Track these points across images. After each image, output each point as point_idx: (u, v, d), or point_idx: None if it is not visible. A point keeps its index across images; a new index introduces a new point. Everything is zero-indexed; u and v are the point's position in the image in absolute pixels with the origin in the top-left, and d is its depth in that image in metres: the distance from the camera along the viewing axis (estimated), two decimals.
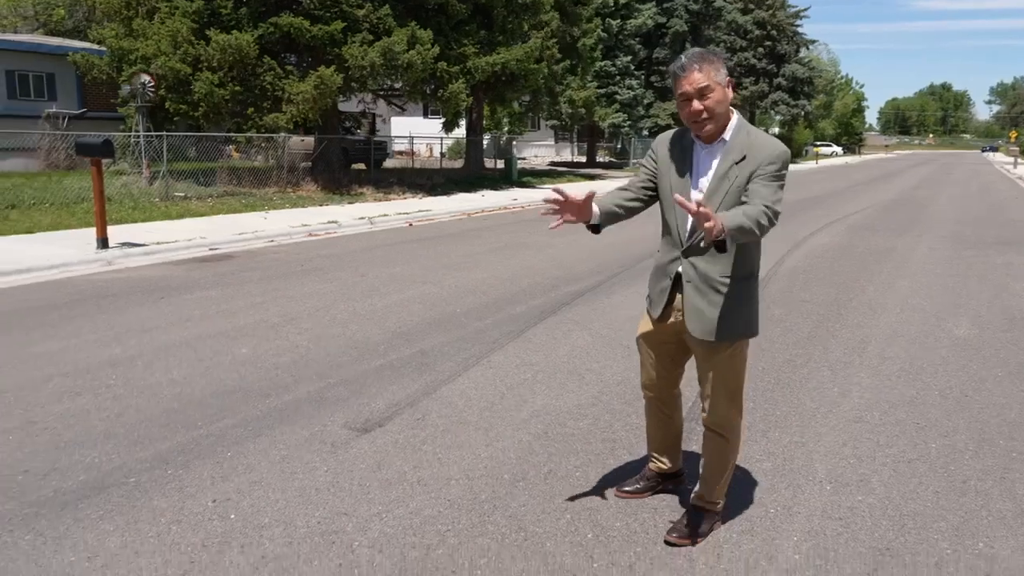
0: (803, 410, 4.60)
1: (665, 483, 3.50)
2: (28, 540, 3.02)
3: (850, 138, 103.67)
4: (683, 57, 2.78)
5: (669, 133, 3.03)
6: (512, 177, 26.04)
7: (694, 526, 3.10)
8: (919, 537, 3.13)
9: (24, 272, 8.67)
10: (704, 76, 2.71)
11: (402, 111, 29.73)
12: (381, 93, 23.62)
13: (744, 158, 2.76)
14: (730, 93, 2.77)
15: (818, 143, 79.19)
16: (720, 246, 2.62)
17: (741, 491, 3.49)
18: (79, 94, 24.89)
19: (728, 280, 2.84)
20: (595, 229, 3.00)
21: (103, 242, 9.95)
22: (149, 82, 17.11)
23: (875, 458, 3.90)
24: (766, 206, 2.65)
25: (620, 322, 6.70)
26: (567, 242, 11.57)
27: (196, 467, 3.67)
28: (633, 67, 37.65)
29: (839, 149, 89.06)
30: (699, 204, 2.44)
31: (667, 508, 3.35)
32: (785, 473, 3.72)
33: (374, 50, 17.61)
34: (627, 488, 3.47)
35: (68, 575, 2.80)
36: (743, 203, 2.73)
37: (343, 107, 24.13)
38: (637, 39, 38.79)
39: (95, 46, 21.86)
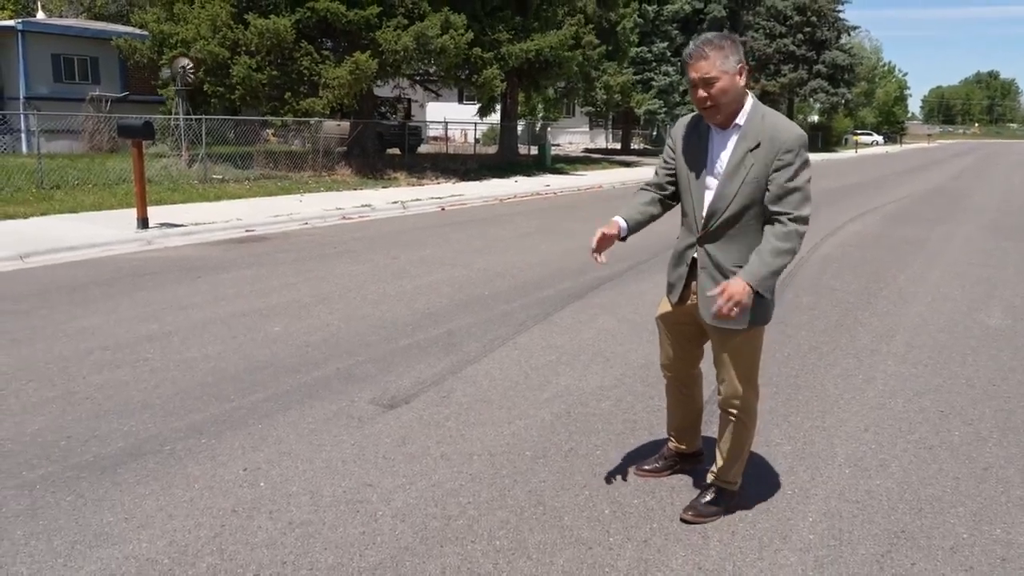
0: (826, 396, 4.61)
1: (683, 463, 3.55)
2: (69, 501, 3.17)
3: (891, 127, 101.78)
4: (693, 43, 2.75)
5: (686, 119, 3.02)
6: (546, 163, 26.04)
7: (709, 505, 3.15)
8: (935, 521, 3.15)
9: (67, 250, 8.93)
10: (709, 65, 2.67)
11: (437, 96, 29.83)
12: (416, 78, 23.74)
13: (759, 145, 2.72)
14: (741, 80, 2.71)
15: (858, 132, 77.84)
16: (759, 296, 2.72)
17: (760, 472, 3.54)
18: (122, 77, 25.36)
19: (740, 269, 2.79)
20: (623, 239, 3.14)
21: (143, 222, 10.20)
22: (189, 65, 17.39)
23: (896, 444, 3.92)
24: (792, 219, 2.69)
25: (647, 307, 6.72)
26: (592, 226, 11.60)
27: (228, 438, 3.80)
28: (670, 53, 37.31)
29: (880, 138, 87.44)
30: (721, 293, 2.63)
31: (685, 487, 3.41)
32: (804, 456, 3.75)
33: (408, 34, 17.70)
34: (646, 467, 3.54)
35: (107, 534, 2.93)
36: (769, 215, 2.75)
37: (379, 92, 24.28)
38: (674, 24, 38.46)
39: (137, 30, 22.25)
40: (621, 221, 3.09)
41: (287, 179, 17.54)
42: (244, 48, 17.35)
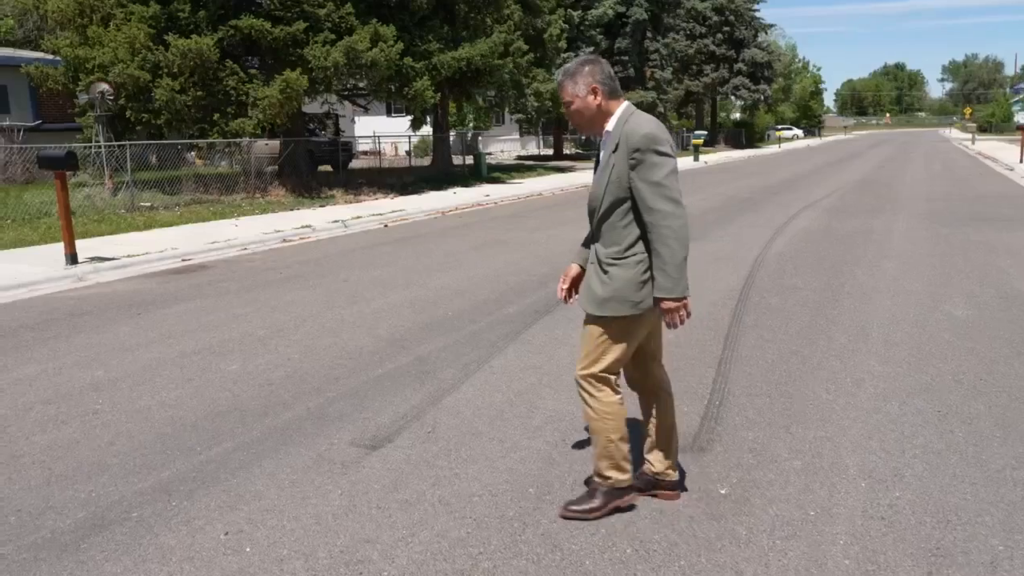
0: (820, 402, 4.50)
1: (657, 491, 3.35)
2: None
3: (810, 121, 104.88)
4: (556, 73, 3.21)
5: None
6: (482, 173, 25.85)
7: (583, 498, 3.24)
8: (967, 534, 3.03)
9: None
10: (564, 92, 3.04)
11: (365, 111, 29.38)
12: (345, 93, 23.26)
13: (617, 147, 2.94)
14: (592, 100, 2.99)
15: (779, 127, 79.93)
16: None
17: (776, 492, 3.38)
18: (33, 106, 24.23)
19: (612, 260, 2.99)
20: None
21: (72, 258, 9.59)
22: (108, 91, 16.65)
23: (903, 450, 3.81)
24: (655, 220, 2.86)
25: None
26: (547, 236, 11.44)
27: (201, 496, 3.46)
28: None
29: (800, 132, 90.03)
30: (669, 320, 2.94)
31: (704, 516, 3.22)
32: (816, 471, 3.60)
33: (337, 50, 17.29)
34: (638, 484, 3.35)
35: None
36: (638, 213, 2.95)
37: (306, 108, 23.73)
38: (598, 29, 38.76)
39: (49, 56, 21.24)
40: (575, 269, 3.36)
41: (219, 203, 16.92)
42: (166, 70, 16.69)
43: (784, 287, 7.70)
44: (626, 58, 43.97)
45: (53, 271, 9.29)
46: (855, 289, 7.55)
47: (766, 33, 60.13)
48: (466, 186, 22.55)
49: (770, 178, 24.60)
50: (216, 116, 17.44)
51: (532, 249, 10.27)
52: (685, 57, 52.65)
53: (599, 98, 2.99)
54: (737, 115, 76.23)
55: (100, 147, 16.66)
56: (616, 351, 3.07)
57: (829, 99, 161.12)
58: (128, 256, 10.23)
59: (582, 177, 26.27)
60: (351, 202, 18.13)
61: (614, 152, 2.94)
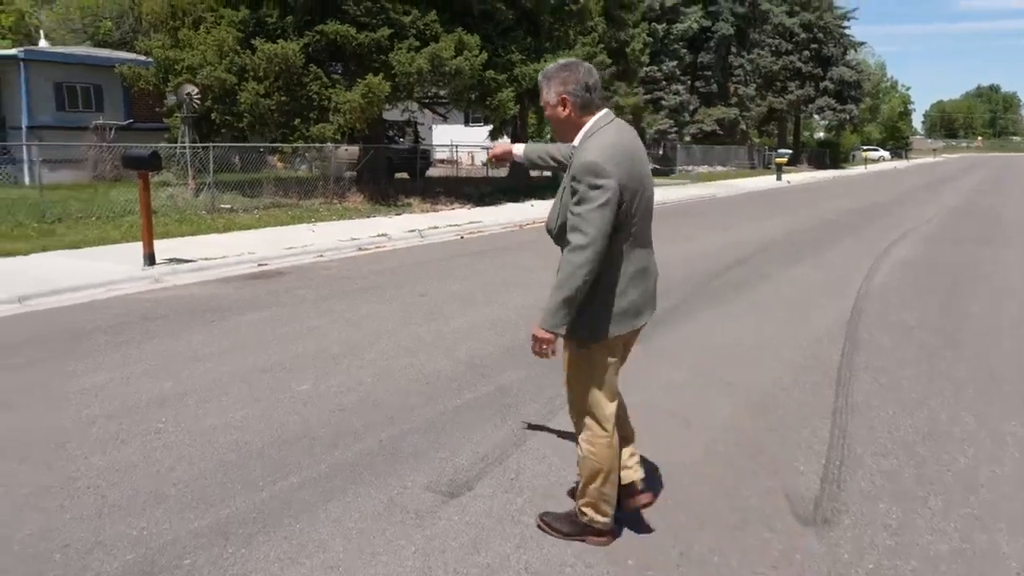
0: (959, 469, 3.91)
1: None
2: None
3: (897, 142, 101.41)
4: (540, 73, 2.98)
5: None
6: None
7: (563, 519, 3.19)
8: None
9: (70, 291, 8.28)
10: (541, 96, 2.93)
11: (444, 119, 29.33)
12: (425, 101, 23.19)
13: (570, 167, 2.83)
14: (561, 111, 2.87)
15: (865, 147, 77.32)
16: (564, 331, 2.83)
17: None
18: (126, 105, 24.88)
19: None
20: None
21: (150, 258, 9.55)
22: (195, 92, 16.86)
23: None
24: (567, 250, 2.74)
25: (710, 353, 6.05)
26: None
27: (260, 543, 3.12)
28: (679, 72, 36.87)
29: (886, 153, 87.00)
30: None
31: None
32: (969, 560, 3.06)
33: (421, 56, 17.15)
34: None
35: None
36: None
37: (386, 115, 23.75)
38: (682, 43, 38.05)
39: (142, 57, 21.77)
40: (518, 151, 3.44)
41: (298, 207, 16.93)
42: (252, 73, 16.81)
43: (894, 324, 7.05)
44: (709, 73, 43.13)
45: (131, 271, 9.25)
46: (973, 329, 6.85)
47: (855, 51, 58.22)
48: (543, 199, 22.13)
49: (860, 201, 23.51)
50: (298, 121, 17.50)
51: None
52: (769, 73, 51.33)
53: (567, 109, 2.86)
54: (820, 134, 74.06)
55: (185, 148, 16.87)
56: (589, 379, 2.99)
57: (917, 120, 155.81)
58: (205, 259, 10.16)
59: (660, 194, 25.61)
60: (427, 211, 17.96)
61: (567, 174, 2.85)
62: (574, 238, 2.71)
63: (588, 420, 3.00)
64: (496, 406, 4.76)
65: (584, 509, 3.07)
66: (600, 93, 2.90)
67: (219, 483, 3.67)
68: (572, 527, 3.14)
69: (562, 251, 2.82)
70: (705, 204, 22.75)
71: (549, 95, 2.88)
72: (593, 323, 2.86)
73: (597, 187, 2.68)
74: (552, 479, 3.73)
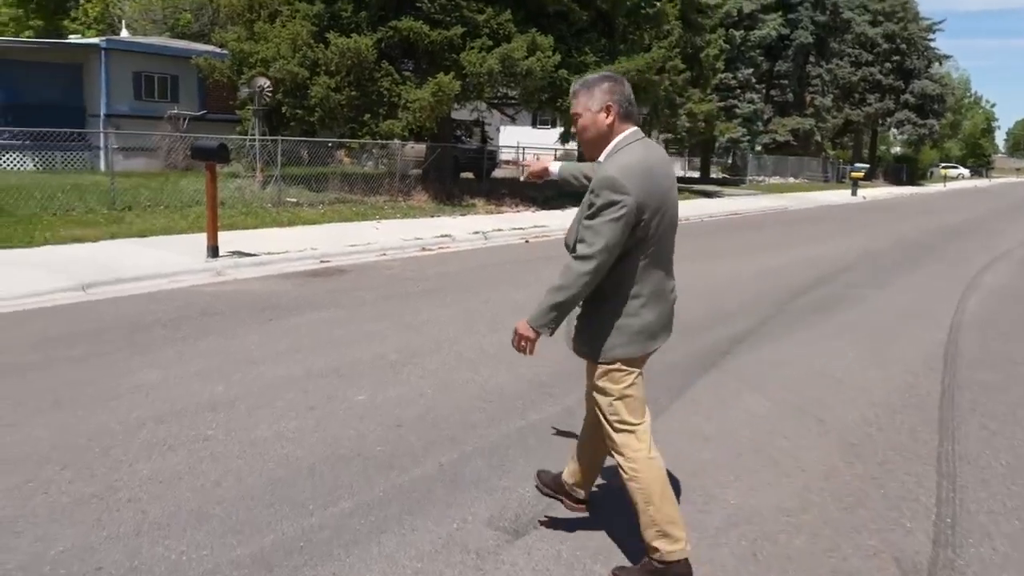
0: None
1: (562, 498, 3.32)
2: None
3: (977, 160, 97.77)
4: (575, 82, 2.91)
5: None
6: None
7: (637, 571, 2.91)
8: None
9: (133, 281, 8.22)
10: (576, 102, 2.83)
11: (512, 120, 29.07)
12: (495, 101, 22.96)
13: (591, 185, 2.78)
14: (603, 119, 2.79)
15: (944, 164, 74.59)
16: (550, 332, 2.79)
17: None
18: (200, 96, 25.24)
19: (587, 305, 2.86)
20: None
21: (214, 251, 9.46)
22: (267, 85, 16.92)
23: None
24: (574, 256, 2.70)
25: (796, 382, 5.59)
26: (701, 270, 10.44)
27: None
28: (754, 80, 35.94)
29: (966, 171, 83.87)
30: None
31: None
32: None
33: (492, 57, 16.90)
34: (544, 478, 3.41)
35: None
36: None
37: (454, 115, 23.60)
38: (759, 51, 37.09)
39: (218, 49, 22.04)
40: (553, 168, 3.42)
41: (362, 203, 16.84)
42: (324, 68, 16.77)
43: (997, 359, 6.47)
44: (785, 82, 42.01)
45: (194, 262, 9.17)
46: None
47: (940, 64, 56.07)
48: None
49: (942, 220, 22.45)
50: (367, 116, 17.41)
51: (687, 283, 9.28)
52: (847, 84, 49.78)
53: (611, 117, 2.79)
54: (897, 149, 71.72)
55: (255, 140, 16.93)
56: (620, 400, 2.87)
57: (1000, 138, 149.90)
58: (268, 253, 10.04)
59: (732, 204, 24.94)
60: (492, 212, 17.70)
61: (589, 191, 2.78)
62: (581, 247, 2.68)
63: (620, 439, 2.88)
64: (563, 430, 4.40)
65: (653, 544, 2.81)
66: (637, 109, 2.89)
67: (266, 504, 3.40)
68: (641, 571, 2.87)
69: None
70: (777, 216, 22.00)
71: (591, 102, 2.79)
72: (609, 342, 2.81)
73: (614, 203, 2.63)
74: (626, 522, 3.36)
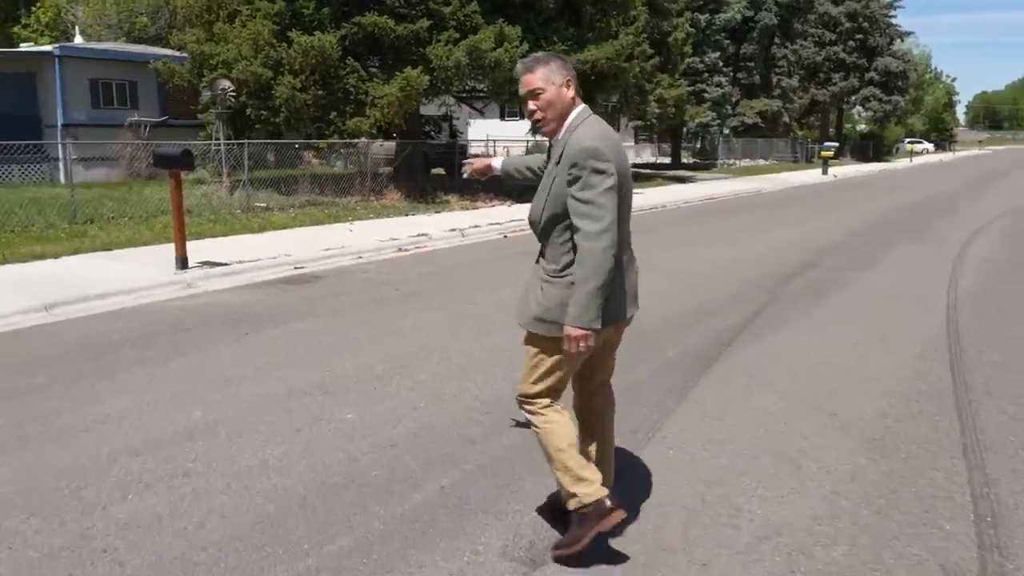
0: None
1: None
2: None
3: (940, 134, 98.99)
4: (521, 62, 2.90)
5: None
6: None
7: (568, 533, 2.93)
8: None
9: (98, 298, 7.81)
10: (535, 77, 2.79)
11: (481, 114, 28.72)
12: (463, 95, 22.59)
13: (560, 159, 2.77)
14: (567, 92, 2.81)
15: (909, 140, 75.33)
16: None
17: None
18: (160, 101, 24.59)
19: (548, 278, 2.85)
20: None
21: (182, 262, 9.07)
22: (230, 88, 16.44)
23: None
24: (581, 238, 2.66)
25: (801, 374, 5.37)
26: (683, 256, 10.23)
27: None
28: (721, 63, 35.88)
29: (930, 146, 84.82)
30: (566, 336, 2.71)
31: None
32: None
33: (459, 49, 16.55)
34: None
35: None
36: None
37: (422, 110, 23.20)
38: (724, 34, 37.02)
39: (176, 52, 21.45)
40: (496, 164, 3.39)
41: (334, 205, 16.44)
42: (287, 67, 16.32)
43: (1001, 338, 6.30)
44: (751, 64, 42.07)
45: (162, 275, 8.77)
46: None
47: (902, 41, 56.47)
48: None
49: (914, 195, 22.51)
50: (334, 115, 17.00)
51: (671, 273, 9.12)
52: (812, 65, 49.95)
53: (571, 91, 2.82)
54: (862, 126, 72.26)
55: (219, 145, 16.46)
56: (552, 372, 2.90)
57: (960, 112, 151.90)
58: (239, 262, 9.66)
59: (706, 188, 24.82)
60: (467, 208, 17.39)
61: (557, 164, 2.79)
62: (587, 224, 2.64)
63: (538, 399, 2.94)
64: None
65: (572, 490, 2.84)
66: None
67: (256, 545, 3.09)
68: (579, 529, 2.85)
69: (544, 244, 2.87)
70: (752, 199, 21.91)
71: (554, 75, 2.79)
72: (558, 314, 2.78)
73: (601, 171, 2.65)
74: (649, 543, 3.11)
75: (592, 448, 3.14)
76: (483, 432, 4.28)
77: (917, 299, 7.83)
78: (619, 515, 2.81)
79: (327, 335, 6.43)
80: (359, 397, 4.86)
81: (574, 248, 2.72)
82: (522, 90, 2.85)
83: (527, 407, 2.98)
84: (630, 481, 3.64)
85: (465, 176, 3.49)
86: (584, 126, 2.77)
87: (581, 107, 2.85)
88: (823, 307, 7.48)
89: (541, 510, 3.34)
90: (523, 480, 3.67)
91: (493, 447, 4.07)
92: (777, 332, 6.49)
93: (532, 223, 2.93)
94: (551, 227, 2.82)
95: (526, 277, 3.04)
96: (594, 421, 3.18)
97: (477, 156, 3.20)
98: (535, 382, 2.93)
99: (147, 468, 3.83)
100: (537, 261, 2.96)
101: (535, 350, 2.93)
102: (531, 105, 2.83)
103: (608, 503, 2.80)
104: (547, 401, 2.94)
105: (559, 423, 2.91)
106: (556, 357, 2.86)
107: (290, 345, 6.11)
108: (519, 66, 2.90)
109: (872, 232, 13.54)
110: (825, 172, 33.64)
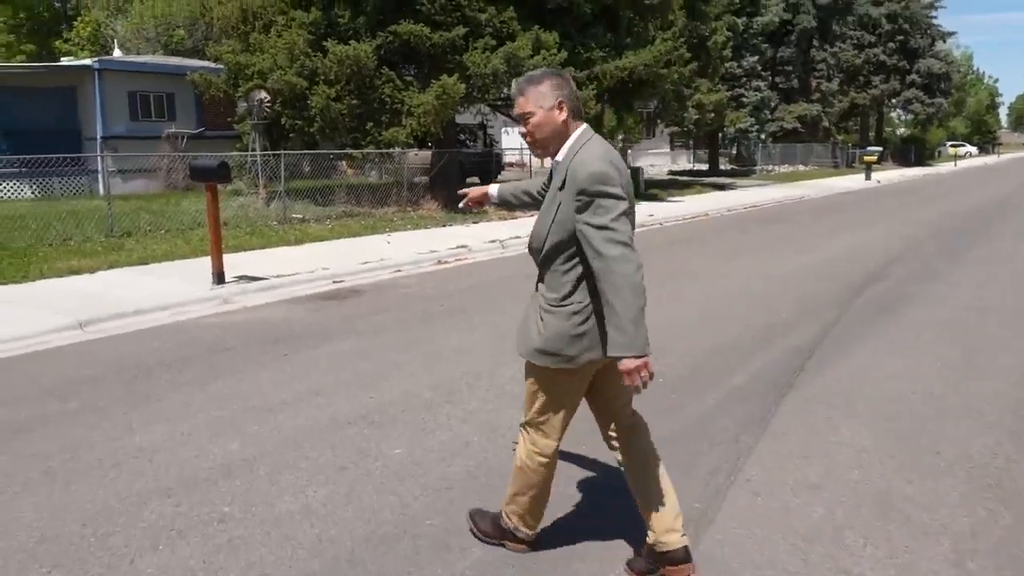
0: None
1: (664, 569, 2.88)
2: None
3: (983, 137, 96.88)
4: (515, 81, 2.92)
5: None
6: (639, 190, 24.25)
7: (488, 519, 3.19)
8: None
9: (134, 315, 7.58)
10: (525, 101, 2.72)
11: (516, 122, 28.40)
12: (499, 103, 22.29)
13: (564, 184, 2.67)
14: (558, 115, 2.70)
15: (952, 143, 73.66)
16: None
17: None
18: (197, 113, 24.64)
19: (549, 307, 2.74)
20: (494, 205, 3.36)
21: (219, 276, 8.81)
22: (266, 98, 16.30)
23: None
24: (601, 271, 2.54)
25: (890, 402, 4.90)
26: (735, 268, 9.75)
27: None
28: (760, 68, 35.20)
29: (973, 149, 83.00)
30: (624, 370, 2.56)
31: None
32: None
33: (497, 56, 16.24)
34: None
35: None
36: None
37: (457, 119, 22.94)
38: (762, 37, 36.35)
39: (212, 64, 21.42)
40: (493, 191, 3.32)
41: (371, 216, 16.19)
42: (323, 77, 16.13)
43: None
44: (789, 68, 41.29)
45: (199, 291, 8.52)
46: None
47: (944, 42, 55.19)
48: None
49: (967, 200, 21.73)
50: (370, 124, 16.77)
51: (726, 285, 8.67)
52: (851, 68, 48.94)
53: (564, 113, 2.71)
54: (902, 130, 70.80)
55: (256, 155, 16.31)
56: (550, 405, 2.85)
57: (1003, 113, 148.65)
58: (277, 276, 9.39)
59: (747, 195, 24.23)
60: (505, 218, 17.03)
61: (560, 189, 2.68)
62: (613, 250, 2.52)
63: (537, 431, 2.91)
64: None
65: (510, 516, 3.05)
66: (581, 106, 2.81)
67: None
68: (495, 530, 3.14)
69: (544, 271, 2.77)
70: (797, 207, 21.30)
71: (542, 99, 2.69)
72: (561, 347, 2.70)
73: (612, 195, 2.56)
74: None
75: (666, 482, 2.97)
76: None
77: (999, 314, 7.30)
78: (525, 549, 3.09)
79: (370, 356, 6.09)
80: (407, 429, 4.50)
81: (581, 278, 2.67)
82: (515, 111, 2.80)
83: (523, 435, 2.97)
84: (720, 534, 3.23)
85: (461, 207, 3.35)
86: (586, 148, 2.68)
87: (582, 128, 2.75)
88: (897, 324, 6.98)
89: (632, 563, 2.97)
90: (598, 528, 3.27)
91: (557, 493, 3.67)
92: (852, 353, 6.02)
93: (533, 250, 2.83)
94: (555, 254, 2.72)
95: (525, 304, 2.87)
96: (650, 459, 3.03)
97: (470, 190, 3.29)
98: (538, 413, 2.87)
99: (180, 511, 3.50)
100: (536, 288, 2.85)
101: (535, 382, 2.85)
102: (522, 128, 2.78)
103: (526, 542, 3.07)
104: (554, 445, 2.91)
105: (536, 471, 2.93)
106: (556, 391, 2.82)
107: (332, 368, 5.78)
108: (514, 86, 2.86)
109: (932, 240, 12.94)
110: (868, 177, 32.78)
